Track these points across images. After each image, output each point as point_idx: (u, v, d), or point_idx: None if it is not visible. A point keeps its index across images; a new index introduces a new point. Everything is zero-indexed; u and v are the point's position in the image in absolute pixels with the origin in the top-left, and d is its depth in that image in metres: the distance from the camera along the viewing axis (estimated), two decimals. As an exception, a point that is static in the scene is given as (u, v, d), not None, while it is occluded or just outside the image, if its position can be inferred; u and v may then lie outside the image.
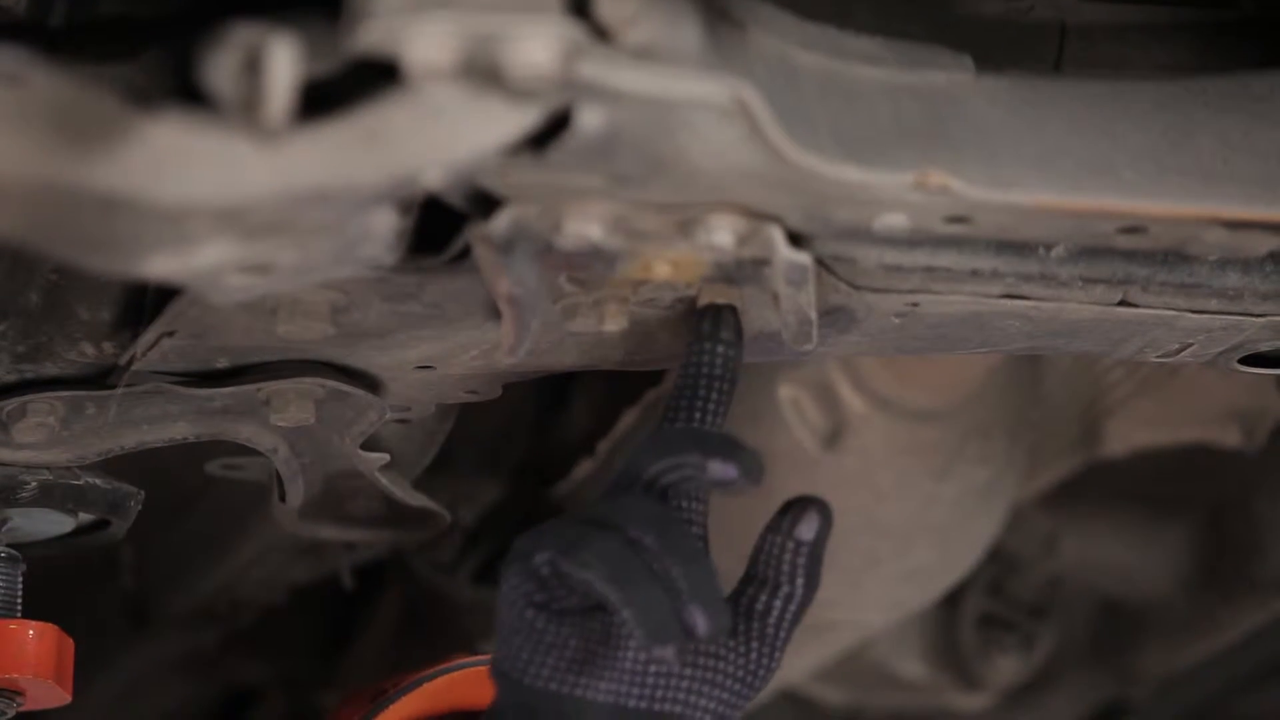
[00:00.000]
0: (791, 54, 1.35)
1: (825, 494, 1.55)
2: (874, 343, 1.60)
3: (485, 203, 1.38)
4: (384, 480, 1.85)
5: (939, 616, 2.62)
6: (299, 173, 1.16)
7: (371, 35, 1.13)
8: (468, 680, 1.71)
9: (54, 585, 1.84)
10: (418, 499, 1.91)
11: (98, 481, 1.77)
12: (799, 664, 2.45)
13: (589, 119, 1.24)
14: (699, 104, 1.24)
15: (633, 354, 1.61)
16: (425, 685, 1.71)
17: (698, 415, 1.49)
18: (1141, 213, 1.38)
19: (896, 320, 1.56)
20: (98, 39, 1.36)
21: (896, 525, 2.17)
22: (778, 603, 1.50)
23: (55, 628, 1.75)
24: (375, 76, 1.18)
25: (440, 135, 1.19)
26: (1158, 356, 1.64)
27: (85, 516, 1.81)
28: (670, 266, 1.46)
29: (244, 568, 2.32)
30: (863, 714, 2.77)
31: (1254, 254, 1.48)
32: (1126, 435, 2.37)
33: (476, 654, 1.74)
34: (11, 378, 1.64)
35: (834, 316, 1.54)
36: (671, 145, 1.28)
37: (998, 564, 2.58)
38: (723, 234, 1.39)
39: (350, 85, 1.19)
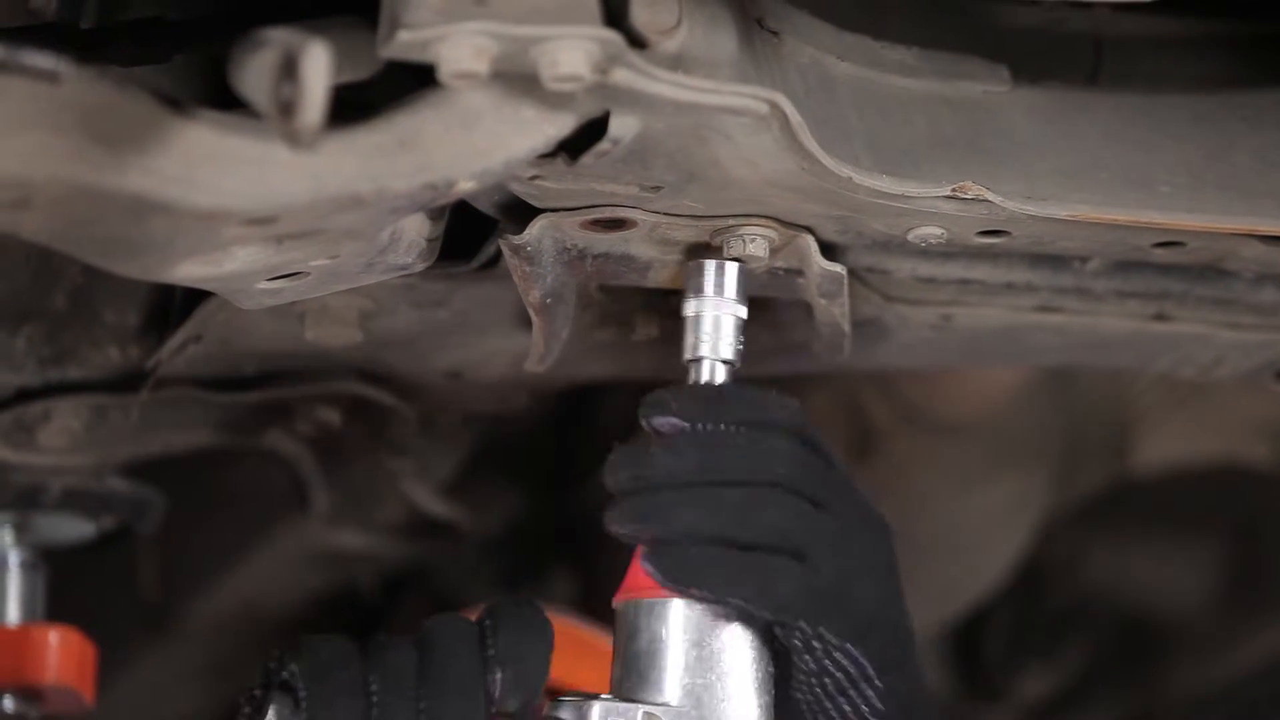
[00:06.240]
0: (827, 64, 1.34)
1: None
2: (906, 354, 1.59)
3: (517, 210, 1.37)
4: (409, 488, 1.85)
5: (964, 630, 2.60)
6: (333, 178, 1.15)
7: (407, 40, 1.12)
8: None
9: (74, 592, 1.83)
10: (441, 507, 1.90)
11: (121, 486, 1.77)
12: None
13: (623, 126, 1.23)
14: (734, 112, 1.22)
15: (663, 364, 1.60)
16: None
17: None
18: (1178, 227, 1.37)
19: (930, 332, 1.55)
20: (128, 42, 1.35)
21: (922, 539, 2.15)
22: None
23: (78, 633, 1.75)
24: (410, 82, 1.17)
25: (474, 141, 1.18)
26: (1192, 372, 1.63)
27: (107, 523, 1.81)
28: (703, 276, 1.45)
29: (265, 576, 2.32)
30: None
31: (1291, 269, 1.47)
32: (1155, 450, 2.36)
33: None
34: (36, 381, 1.63)
35: (866, 328, 1.53)
36: (706, 154, 1.27)
37: (1025, 579, 2.56)
38: (756, 244, 1.38)
39: (385, 91, 1.18)
